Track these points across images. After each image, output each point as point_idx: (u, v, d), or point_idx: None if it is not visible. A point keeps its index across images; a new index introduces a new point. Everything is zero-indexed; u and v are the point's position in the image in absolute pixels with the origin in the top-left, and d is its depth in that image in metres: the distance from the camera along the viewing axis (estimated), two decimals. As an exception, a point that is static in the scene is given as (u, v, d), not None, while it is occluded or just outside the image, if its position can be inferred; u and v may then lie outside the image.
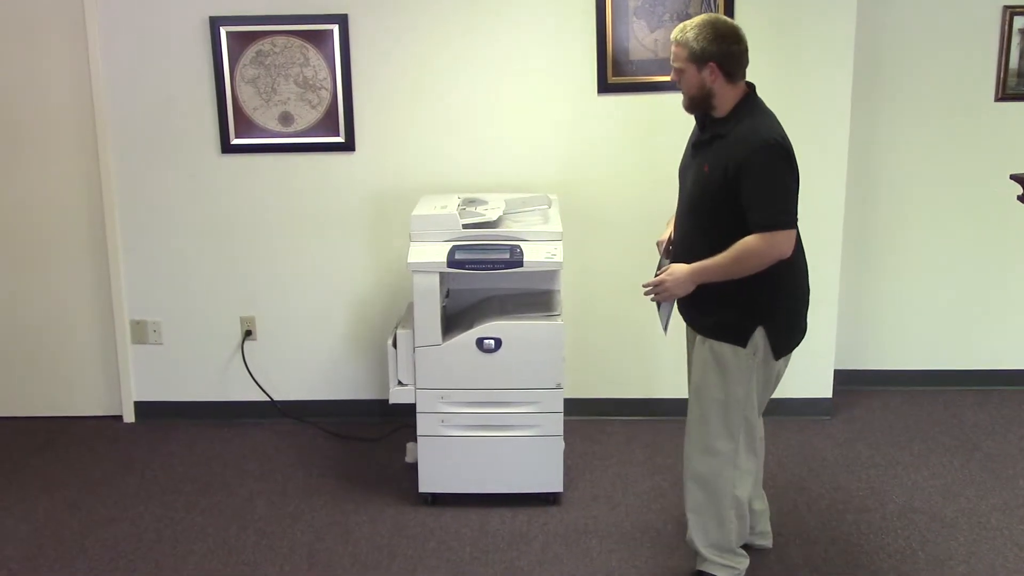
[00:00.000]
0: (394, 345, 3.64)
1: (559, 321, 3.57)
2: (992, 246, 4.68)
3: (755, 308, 2.94)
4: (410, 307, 3.65)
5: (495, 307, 3.73)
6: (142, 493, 3.87)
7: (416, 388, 3.62)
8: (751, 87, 2.95)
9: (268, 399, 4.48)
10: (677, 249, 3.09)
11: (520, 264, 3.50)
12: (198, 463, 4.14)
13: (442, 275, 3.54)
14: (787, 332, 3.01)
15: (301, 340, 4.48)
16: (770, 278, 2.87)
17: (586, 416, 4.40)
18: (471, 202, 3.85)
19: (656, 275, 3.04)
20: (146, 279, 4.44)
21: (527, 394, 3.60)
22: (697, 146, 3.02)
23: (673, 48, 2.93)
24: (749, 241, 2.81)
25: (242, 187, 4.33)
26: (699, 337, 3.04)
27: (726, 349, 2.97)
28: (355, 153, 4.28)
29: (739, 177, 2.80)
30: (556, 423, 3.63)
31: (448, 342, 3.57)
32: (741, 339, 2.95)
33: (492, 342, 3.55)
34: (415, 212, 3.62)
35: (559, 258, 3.50)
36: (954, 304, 4.76)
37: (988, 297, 4.75)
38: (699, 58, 2.86)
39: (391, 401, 3.68)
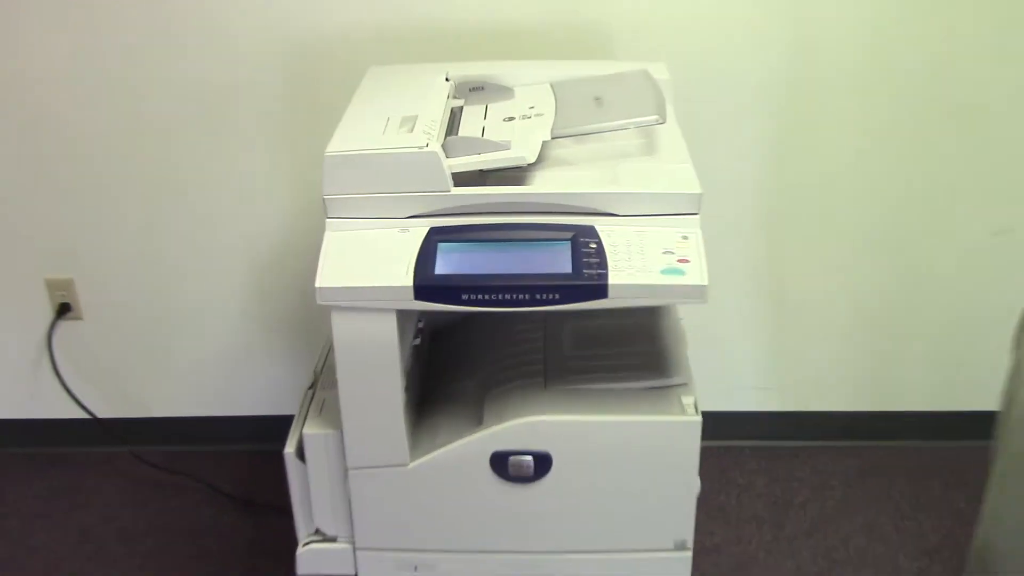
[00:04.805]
0: (299, 455, 1.56)
1: (693, 414, 1.48)
2: None
3: None
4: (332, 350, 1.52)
5: (533, 361, 1.63)
6: None
7: (355, 548, 1.58)
8: None
9: (92, 418, 2.43)
10: None
11: (602, 291, 1.36)
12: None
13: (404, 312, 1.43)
14: None
15: (158, 318, 2.39)
16: None
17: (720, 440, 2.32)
18: (478, 90, 1.68)
19: None
20: None
21: (615, 564, 1.56)
22: None
23: None
24: None
25: (26, 29, 2.09)
26: None
27: None
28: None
29: None
30: (675, 619, 1.61)
31: (424, 460, 1.50)
32: None
33: (530, 462, 1.49)
34: (331, 147, 1.44)
35: (699, 277, 1.36)
36: None
37: None
38: None
39: (299, 572, 1.64)
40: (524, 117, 1.57)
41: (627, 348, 1.62)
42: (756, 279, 2.31)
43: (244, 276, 2.34)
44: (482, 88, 1.69)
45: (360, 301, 1.39)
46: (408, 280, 1.37)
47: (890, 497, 2.31)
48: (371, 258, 1.40)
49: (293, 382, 2.35)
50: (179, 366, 2.43)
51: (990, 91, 2.09)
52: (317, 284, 1.39)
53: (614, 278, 1.36)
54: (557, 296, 1.38)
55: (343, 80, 1.73)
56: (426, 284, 1.37)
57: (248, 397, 2.45)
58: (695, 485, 1.53)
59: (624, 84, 1.62)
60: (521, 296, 1.38)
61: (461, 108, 1.64)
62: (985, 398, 2.43)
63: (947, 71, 2.07)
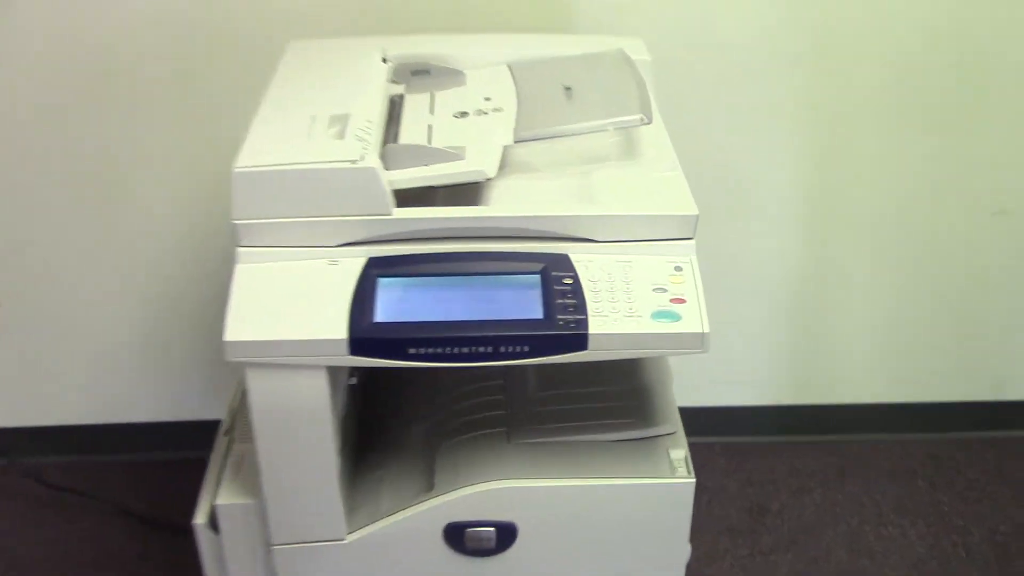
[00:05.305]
0: (212, 527, 1.29)
1: (684, 475, 1.24)
2: None
3: None
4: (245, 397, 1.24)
5: (494, 405, 1.37)
6: None
7: (282, 631, 1.33)
8: None
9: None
10: None
11: (580, 342, 1.10)
12: None
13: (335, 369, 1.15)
14: None
15: (47, 314, 2.07)
16: None
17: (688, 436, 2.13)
18: (421, 73, 1.39)
19: None
20: None
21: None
22: None
23: None
24: None
25: None
26: None
27: None
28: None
29: None
30: None
31: (364, 534, 1.24)
32: None
33: (491, 533, 1.24)
34: (241, 160, 1.14)
35: (698, 323, 1.11)
36: None
37: None
38: None
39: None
40: (479, 112, 1.29)
41: (604, 388, 1.37)
42: (723, 265, 2.06)
43: (147, 265, 2.03)
44: (427, 72, 1.40)
45: (282, 357, 1.12)
46: (342, 331, 1.10)
47: (872, 500, 2.13)
48: (294, 300, 1.12)
49: (207, 383, 2.09)
50: (75, 368, 2.12)
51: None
52: (225, 337, 1.10)
53: (595, 326, 1.11)
54: (526, 349, 1.12)
55: (259, 55, 1.43)
56: (364, 336, 1.10)
57: (157, 401, 2.16)
58: (685, 552, 1.30)
59: (598, 69, 1.35)
60: (482, 349, 1.12)
61: (402, 97, 1.35)
62: (974, 387, 2.26)
63: (974, 46, 1.83)
